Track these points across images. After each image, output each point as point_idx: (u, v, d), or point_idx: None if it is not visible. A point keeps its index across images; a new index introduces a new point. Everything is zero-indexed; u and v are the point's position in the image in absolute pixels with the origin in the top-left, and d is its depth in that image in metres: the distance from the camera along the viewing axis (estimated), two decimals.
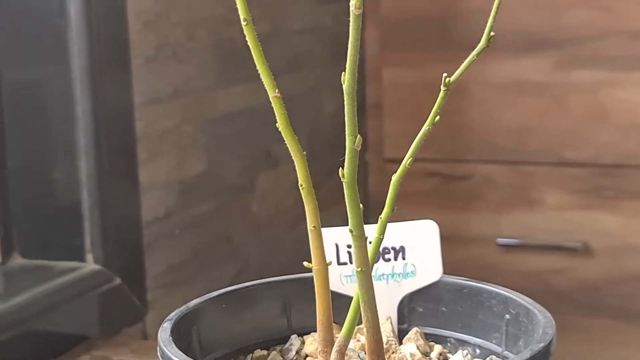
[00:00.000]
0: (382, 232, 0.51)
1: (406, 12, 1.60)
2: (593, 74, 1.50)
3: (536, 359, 0.47)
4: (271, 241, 1.36)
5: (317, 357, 0.54)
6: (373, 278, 0.51)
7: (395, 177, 0.50)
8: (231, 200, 1.26)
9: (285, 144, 0.50)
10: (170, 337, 0.51)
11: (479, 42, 0.47)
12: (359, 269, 0.49)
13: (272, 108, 0.49)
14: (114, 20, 1.01)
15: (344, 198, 0.48)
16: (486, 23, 0.48)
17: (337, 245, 0.58)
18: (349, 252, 0.58)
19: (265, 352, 0.58)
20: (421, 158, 1.66)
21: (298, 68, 1.41)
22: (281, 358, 0.58)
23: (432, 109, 0.48)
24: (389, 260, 0.60)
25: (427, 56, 1.58)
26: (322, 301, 0.52)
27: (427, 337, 0.59)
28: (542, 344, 0.48)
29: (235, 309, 0.58)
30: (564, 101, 1.52)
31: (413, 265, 0.61)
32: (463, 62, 0.49)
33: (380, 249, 0.57)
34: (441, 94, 0.48)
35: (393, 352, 0.56)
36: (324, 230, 0.52)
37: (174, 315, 0.54)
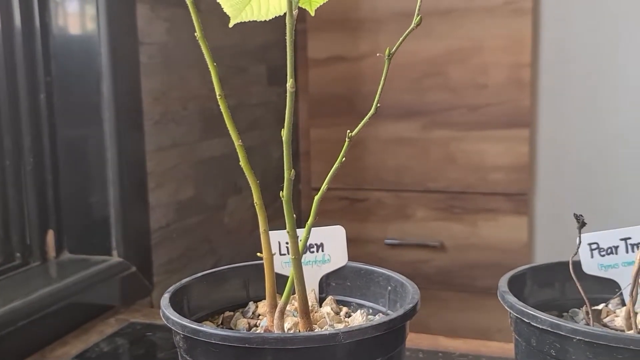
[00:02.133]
0: (308, 233, 0.52)
1: (326, 92, 1.59)
2: (446, 133, 1.51)
3: (407, 314, 0.49)
4: (237, 242, 1.35)
5: (266, 316, 0.54)
6: (302, 264, 0.51)
7: (316, 198, 0.52)
8: (210, 215, 1.26)
9: (246, 177, 0.51)
10: (169, 303, 0.51)
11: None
12: (293, 257, 0.50)
13: (237, 154, 0.50)
14: (133, 96, 1.01)
15: (284, 214, 0.50)
16: (380, 100, 0.50)
17: (279, 242, 0.58)
18: (286, 247, 0.58)
19: (232, 313, 0.58)
20: (334, 187, 1.69)
21: (255, 128, 1.41)
22: (242, 317, 0.57)
23: (349, 158, 0.50)
24: (313, 252, 0.60)
25: (339, 121, 1.57)
26: (269, 279, 0.53)
27: (338, 302, 0.59)
28: (411, 305, 0.50)
29: (212, 285, 0.58)
30: (427, 150, 1.53)
31: (329, 255, 0.60)
32: (366, 126, 0.51)
33: (307, 245, 0.57)
34: (346, 143, 0.49)
35: (316, 312, 0.56)
36: (270, 232, 0.53)
37: (171, 289, 0.54)
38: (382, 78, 0.49)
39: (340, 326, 0.53)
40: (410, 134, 1.54)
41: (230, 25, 0.51)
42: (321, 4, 0.52)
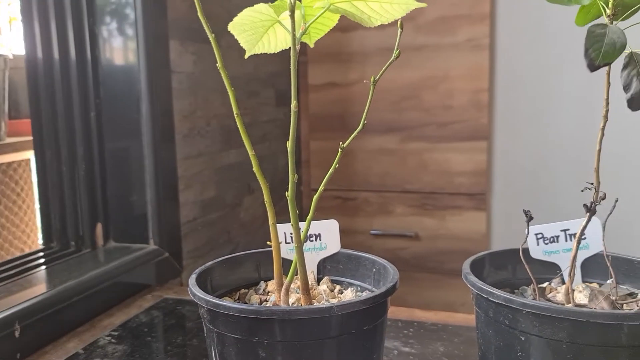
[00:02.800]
0: (308, 226, 0.52)
1: (323, 112, 1.59)
2: (420, 145, 1.51)
3: (388, 291, 0.49)
4: (250, 233, 1.34)
5: (274, 292, 0.54)
6: (303, 250, 0.51)
7: (315, 197, 0.52)
8: (229, 211, 1.25)
9: (258, 180, 0.50)
10: (195, 282, 0.51)
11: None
12: (296, 245, 0.50)
13: (251, 161, 0.50)
14: (166, 115, 1.01)
15: (288, 210, 0.50)
16: (366, 118, 0.50)
17: (285, 233, 0.58)
18: (291, 236, 0.57)
19: (246, 290, 0.58)
20: (330, 189, 1.69)
21: (265, 141, 1.41)
22: (255, 293, 0.57)
23: (341, 165, 0.50)
24: (312, 241, 0.60)
25: (334, 135, 1.57)
26: (276, 262, 0.52)
27: (333, 281, 0.60)
28: (391, 283, 0.50)
29: (230, 267, 0.58)
30: (404, 159, 1.53)
31: (325, 243, 0.60)
32: (355, 139, 0.51)
33: (307, 235, 0.57)
34: (339, 153, 0.49)
35: (314, 289, 0.56)
36: (278, 225, 0.52)
37: (197, 271, 0.54)
38: (368, 100, 0.49)
39: (334, 301, 0.53)
40: (391, 145, 1.54)
41: (246, 57, 0.51)
42: (318, 38, 0.52)
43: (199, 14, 0.47)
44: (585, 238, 0.55)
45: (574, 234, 0.55)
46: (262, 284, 0.58)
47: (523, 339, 0.46)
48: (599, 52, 0.42)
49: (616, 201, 0.51)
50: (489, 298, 0.48)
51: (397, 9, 0.45)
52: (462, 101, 1.46)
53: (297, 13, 0.45)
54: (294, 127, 0.47)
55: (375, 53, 1.49)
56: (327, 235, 0.60)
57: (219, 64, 0.47)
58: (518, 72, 1.47)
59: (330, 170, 0.51)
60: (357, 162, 1.58)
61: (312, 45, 0.53)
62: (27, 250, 1.15)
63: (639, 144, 1.39)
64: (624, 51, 0.45)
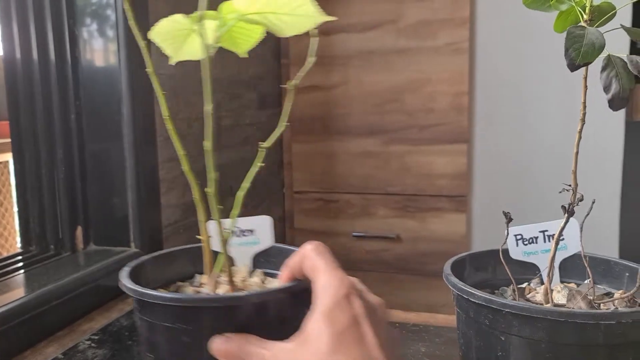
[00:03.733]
0: (235, 221, 0.54)
1: (305, 115, 1.59)
2: (402, 147, 1.52)
3: (303, 283, 0.50)
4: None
5: (206, 283, 0.55)
6: (238, 245, 0.56)
7: (239, 194, 0.54)
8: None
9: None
10: (127, 275, 0.52)
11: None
12: (220, 239, 0.52)
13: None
14: (147, 118, 1.00)
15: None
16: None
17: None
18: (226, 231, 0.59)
19: (182, 283, 0.59)
20: (312, 191, 1.69)
21: (247, 144, 1.40)
22: (190, 286, 0.58)
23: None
24: (247, 235, 0.62)
25: (315, 138, 1.57)
26: (207, 257, 0.54)
27: (266, 274, 0.61)
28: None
29: (167, 262, 0.60)
30: (388, 162, 1.54)
31: (259, 238, 0.62)
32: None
33: (242, 230, 0.61)
34: (261, 152, 0.50)
35: (246, 281, 0.58)
36: (212, 222, 0.54)
37: (130, 265, 0.55)
38: (288, 103, 0.50)
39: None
40: (373, 148, 1.54)
41: (172, 62, 0.53)
42: (250, 48, 0.54)
43: (130, 21, 0.48)
44: (563, 239, 0.56)
45: (553, 235, 0.56)
46: (198, 277, 0.60)
47: (503, 339, 0.46)
48: (579, 52, 0.43)
49: (593, 202, 0.52)
50: (470, 299, 0.49)
51: (306, 21, 0.48)
52: (443, 104, 1.48)
53: (212, 23, 0.48)
54: (209, 128, 0.50)
55: (356, 56, 1.50)
56: (261, 231, 0.62)
57: (149, 69, 0.49)
58: (498, 76, 1.49)
59: (253, 168, 0.53)
60: (339, 165, 1.58)
61: (243, 55, 0.54)
62: (5, 254, 1.13)
63: (616, 145, 1.41)
64: (603, 54, 0.46)
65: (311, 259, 0.44)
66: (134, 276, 0.52)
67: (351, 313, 0.39)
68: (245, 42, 0.53)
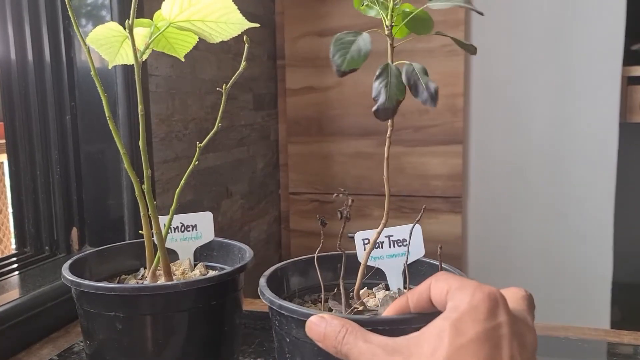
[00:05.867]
0: (172, 217, 0.58)
1: (300, 115, 1.59)
2: (397, 149, 1.52)
3: (234, 271, 0.54)
4: (228, 236, 1.32)
5: (148, 276, 0.57)
6: (180, 240, 0.60)
7: (177, 191, 0.58)
8: None
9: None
10: (68, 269, 0.55)
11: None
12: (156, 232, 0.55)
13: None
14: (144, 118, 1.00)
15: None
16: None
17: (164, 224, 0.60)
18: (171, 227, 0.63)
19: (127, 276, 0.61)
20: (307, 192, 1.68)
21: (243, 145, 1.40)
22: (134, 278, 0.61)
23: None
24: (189, 231, 0.64)
25: (311, 138, 1.57)
26: (148, 250, 0.57)
27: (207, 267, 0.64)
28: (239, 264, 0.56)
29: (110, 256, 0.62)
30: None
31: (201, 233, 0.65)
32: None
33: (185, 225, 0.64)
34: (197, 152, 0.50)
35: (187, 273, 0.61)
36: (160, 217, 0.57)
37: (71, 260, 0.57)
38: (222, 105, 0.54)
39: None
40: (367, 149, 1.54)
41: (110, 67, 0.57)
42: (187, 52, 0.58)
43: (74, 27, 0.52)
44: (407, 244, 0.55)
45: (398, 240, 0.55)
46: (142, 270, 0.62)
47: (288, 340, 0.45)
48: (344, 59, 0.44)
49: (424, 208, 0.52)
50: (270, 305, 0.47)
51: (233, 28, 0.52)
52: (438, 105, 1.46)
53: (143, 30, 0.53)
54: (143, 128, 0.54)
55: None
56: (203, 226, 0.65)
57: (92, 72, 0.52)
58: (492, 77, 1.49)
59: (191, 167, 0.57)
60: (334, 166, 1.58)
61: (182, 59, 0.58)
62: (0, 255, 1.12)
63: (610, 146, 1.42)
64: (373, 59, 0.45)
65: (442, 280, 0.36)
66: (76, 270, 0.55)
67: (485, 327, 0.32)
68: (182, 47, 0.57)
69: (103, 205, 0.98)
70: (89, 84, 0.96)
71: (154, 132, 1.03)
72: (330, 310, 0.51)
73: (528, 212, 1.48)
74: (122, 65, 0.93)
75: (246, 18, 0.52)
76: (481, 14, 0.45)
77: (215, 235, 0.66)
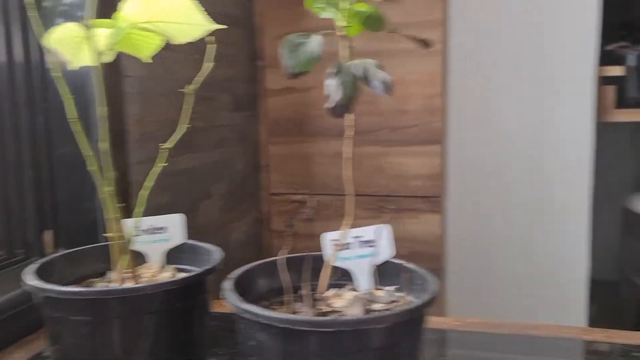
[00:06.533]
0: (138, 220, 0.59)
1: (281, 116, 1.58)
2: (375, 149, 1.52)
3: (203, 273, 0.55)
4: (207, 239, 1.31)
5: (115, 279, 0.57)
6: (151, 242, 0.60)
7: (141, 192, 0.58)
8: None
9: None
10: (34, 274, 0.55)
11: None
12: (120, 235, 0.55)
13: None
14: (119, 120, 0.99)
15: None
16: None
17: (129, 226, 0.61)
18: (136, 229, 0.62)
19: (95, 279, 0.61)
20: (288, 192, 1.68)
21: (222, 146, 1.39)
22: (102, 282, 0.60)
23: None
24: (160, 233, 0.64)
25: (292, 139, 1.57)
26: (116, 254, 0.56)
27: (178, 269, 0.63)
28: (207, 267, 0.56)
29: (76, 260, 0.62)
30: (361, 163, 1.54)
31: (171, 235, 0.64)
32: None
33: (155, 227, 0.64)
34: (160, 154, 0.50)
35: (156, 276, 0.60)
36: (125, 220, 0.57)
37: (37, 263, 0.58)
38: (187, 106, 0.55)
39: None
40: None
41: (71, 68, 0.57)
42: (153, 51, 0.57)
43: (34, 27, 0.52)
44: (375, 245, 0.55)
45: (366, 241, 0.56)
46: (109, 273, 0.61)
47: (252, 343, 0.46)
48: (295, 61, 0.44)
49: (392, 210, 0.51)
50: (233, 308, 0.47)
51: (196, 29, 0.52)
52: (417, 106, 1.48)
53: (106, 31, 0.53)
54: (105, 130, 0.55)
55: (331, 59, 1.49)
56: (173, 228, 0.65)
57: (56, 74, 0.53)
58: (470, 77, 1.50)
59: (155, 169, 0.58)
60: (314, 166, 1.58)
61: (147, 59, 0.58)
62: None
63: (586, 146, 1.43)
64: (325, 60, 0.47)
65: None
66: (42, 274, 0.54)
67: None
68: (146, 47, 0.57)
69: (77, 208, 0.97)
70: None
71: (130, 133, 1.02)
72: (294, 312, 0.50)
73: (506, 210, 1.49)
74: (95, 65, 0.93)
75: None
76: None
77: (194, 238, 0.65)
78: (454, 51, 1.50)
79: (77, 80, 0.94)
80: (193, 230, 1.29)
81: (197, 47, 1.31)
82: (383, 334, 0.41)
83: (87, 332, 0.49)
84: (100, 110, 0.51)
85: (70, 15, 0.95)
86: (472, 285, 1.52)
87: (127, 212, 1.03)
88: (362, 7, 0.47)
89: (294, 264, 0.56)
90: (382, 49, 1.47)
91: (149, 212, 1.09)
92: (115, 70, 0.98)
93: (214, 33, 0.54)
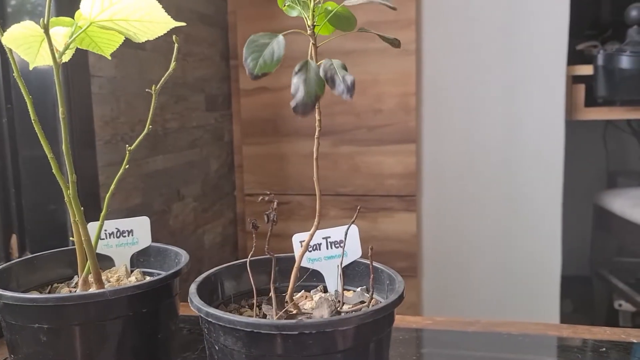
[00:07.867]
0: (102, 224, 0.57)
1: (255, 116, 1.57)
2: (351, 148, 1.52)
3: (166, 277, 0.53)
4: (180, 241, 1.30)
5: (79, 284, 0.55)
6: (116, 246, 0.59)
7: (107, 196, 0.52)
8: (157, 219, 1.21)
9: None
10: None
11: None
12: (84, 239, 0.53)
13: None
14: (86, 121, 0.97)
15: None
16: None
17: (105, 231, 0.61)
18: (105, 232, 0.62)
19: (60, 284, 0.60)
20: (264, 193, 1.66)
21: (195, 146, 1.38)
22: (67, 286, 0.59)
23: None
24: (125, 236, 0.63)
25: (266, 139, 1.56)
26: (81, 258, 0.55)
27: (145, 273, 0.62)
28: (172, 271, 0.55)
29: (41, 264, 0.61)
30: (337, 163, 1.54)
31: (137, 238, 0.63)
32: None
33: (121, 230, 0.63)
34: (127, 155, 0.49)
35: (122, 280, 0.60)
36: (90, 224, 0.56)
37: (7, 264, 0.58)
38: (152, 107, 0.55)
39: None
40: (323, 149, 1.51)
41: (30, 68, 0.56)
42: (113, 51, 0.57)
43: None
44: (344, 245, 0.54)
45: (335, 242, 0.55)
46: (76, 278, 0.61)
47: (217, 348, 0.45)
48: (256, 63, 0.44)
49: (358, 209, 0.52)
50: (198, 312, 0.47)
51: (158, 27, 0.51)
52: (391, 105, 1.48)
53: (64, 30, 0.52)
54: (65, 132, 0.55)
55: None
56: (139, 231, 0.64)
57: (15, 74, 0.52)
58: (444, 77, 1.50)
59: (121, 171, 0.56)
60: (290, 166, 1.57)
61: (109, 57, 0.58)
62: None
63: (556, 144, 1.45)
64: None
65: None
66: (1, 280, 0.53)
67: None
68: (107, 45, 0.56)
69: (44, 211, 0.95)
70: (27, 85, 0.92)
71: (98, 135, 1.00)
72: (264, 316, 0.49)
73: (480, 209, 1.50)
74: (62, 64, 0.90)
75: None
76: (394, 8, 0.45)
77: (168, 240, 0.64)
78: (427, 50, 1.50)
79: (48, 80, 0.92)
80: (167, 232, 1.29)
81: (168, 47, 1.30)
82: (349, 335, 0.41)
83: (47, 340, 0.48)
84: (61, 111, 0.49)
85: (38, 15, 0.92)
86: (447, 283, 1.52)
87: (97, 215, 1.01)
88: (332, 6, 0.46)
89: (264, 266, 0.54)
90: (356, 48, 1.47)
91: (122, 214, 1.08)
92: (83, 70, 0.95)
93: (184, 32, 0.52)
